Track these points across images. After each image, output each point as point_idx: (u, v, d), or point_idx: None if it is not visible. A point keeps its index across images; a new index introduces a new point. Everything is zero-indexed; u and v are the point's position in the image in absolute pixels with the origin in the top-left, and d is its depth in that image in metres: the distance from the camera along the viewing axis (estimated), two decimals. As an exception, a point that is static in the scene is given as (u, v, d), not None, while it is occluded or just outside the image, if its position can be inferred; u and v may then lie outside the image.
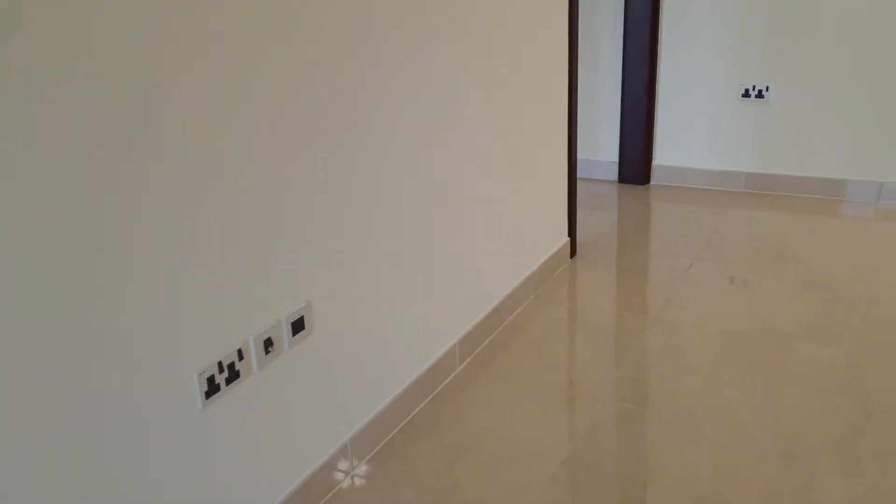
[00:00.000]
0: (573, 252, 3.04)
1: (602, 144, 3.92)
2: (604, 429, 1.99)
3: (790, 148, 3.59)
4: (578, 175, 3.90)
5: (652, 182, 3.89)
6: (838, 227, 3.23)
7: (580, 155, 3.89)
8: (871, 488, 1.72)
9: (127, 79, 1.17)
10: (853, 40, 3.33)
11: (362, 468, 1.87)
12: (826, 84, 3.43)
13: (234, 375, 1.46)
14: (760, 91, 3.56)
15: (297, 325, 1.62)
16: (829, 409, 2.01)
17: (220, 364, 1.42)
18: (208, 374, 1.40)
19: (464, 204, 2.21)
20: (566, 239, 2.97)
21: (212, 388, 1.41)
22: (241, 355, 1.47)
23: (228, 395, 1.46)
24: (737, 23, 3.51)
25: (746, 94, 3.59)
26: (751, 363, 2.25)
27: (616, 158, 3.91)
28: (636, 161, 3.83)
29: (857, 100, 3.40)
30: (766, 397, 2.08)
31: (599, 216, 3.51)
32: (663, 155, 3.84)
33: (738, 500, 1.71)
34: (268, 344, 1.54)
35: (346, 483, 1.82)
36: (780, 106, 3.55)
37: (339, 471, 1.81)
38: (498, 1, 2.24)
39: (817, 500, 1.70)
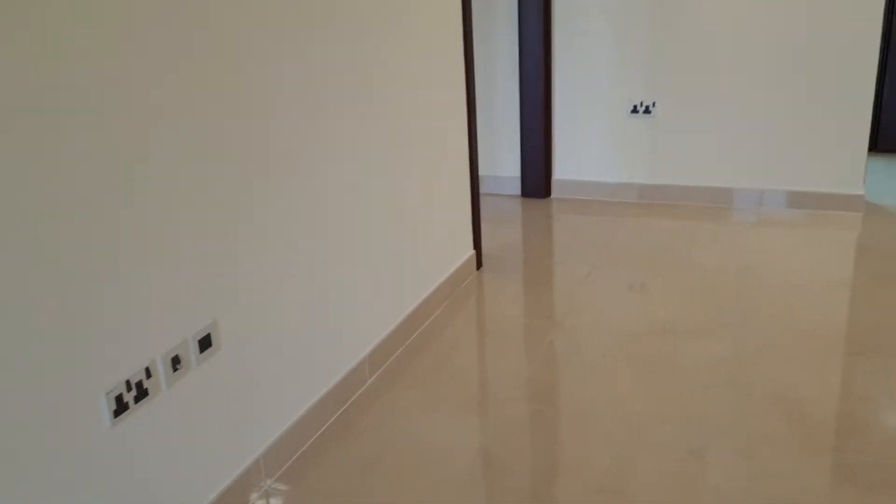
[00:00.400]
0: (479, 263, 3.14)
1: (504, 161, 4.06)
2: (513, 429, 2.08)
3: (677, 160, 3.81)
4: (484, 190, 4.01)
5: (553, 195, 4.06)
6: (724, 233, 3.45)
7: (484, 171, 4.00)
8: (763, 471, 1.86)
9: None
10: (731, 59, 3.58)
11: (277, 481, 1.89)
12: (708, 99, 3.67)
13: (142, 394, 1.47)
14: (648, 107, 3.77)
15: (205, 343, 1.63)
16: (719, 400, 2.16)
17: (128, 382, 1.43)
18: (116, 393, 1.41)
19: (369, 221, 2.27)
20: (472, 251, 3.07)
21: (120, 407, 1.42)
22: (148, 373, 1.48)
23: (137, 413, 1.46)
24: (623, 43, 3.71)
25: (635, 110, 3.80)
26: (646, 361, 2.39)
27: (518, 174, 4.05)
28: (537, 176, 3.99)
29: (738, 113, 3.65)
30: (661, 391, 2.21)
31: (504, 229, 3.63)
32: (562, 169, 4.01)
33: (636, 489, 1.82)
34: (175, 362, 1.55)
35: (261, 496, 1.83)
36: (666, 120, 3.77)
37: (254, 484, 1.82)
38: (396, 23, 2.33)
39: (712, 485, 1.82)
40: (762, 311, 2.67)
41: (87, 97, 1.30)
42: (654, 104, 3.76)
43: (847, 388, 2.19)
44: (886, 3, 3.32)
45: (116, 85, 1.36)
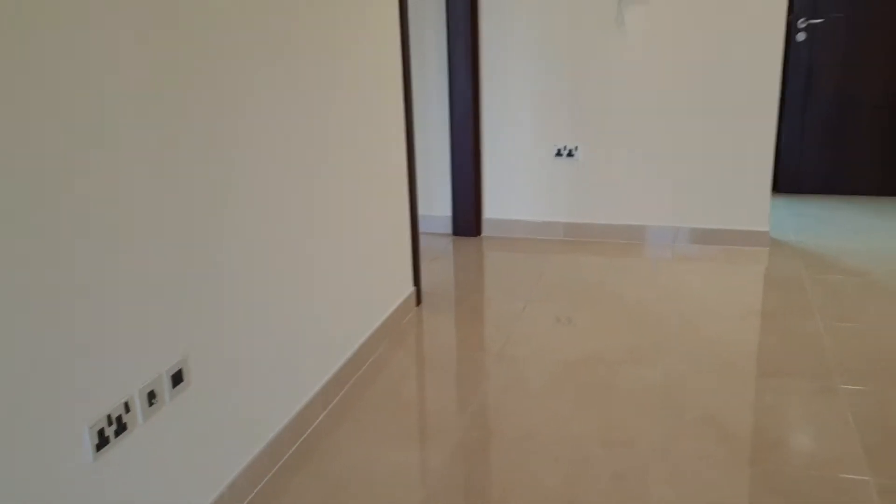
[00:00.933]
0: (419, 300, 3.25)
1: (437, 201, 4.21)
2: (463, 455, 2.18)
3: (598, 199, 4.05)
4: (415, 230, 4.14)
5: (483, 234, 4.23)
6: (644, 267, 3.69)
7: (418, 211, 4.14)
8: (693, 490, 2.03)
9: None
10: (646, 107, 3.86)
11: (240, 515, 1.93)
12: (626, 144, 3.93)
13: (121, 428, 1.51)
14: (571, 150, 4.01)
15: (177, 378, 1.69)
16: (652, 422, 2.33)
17: (108, 417, 1.47)
18: (98, 427, 1.45)
19: (317, 261, 2.36)
20: (412, 288, 3.18)
21: (102, 441, 1.46)
22: (127, 408, 1.53)
23: (117, 447, 1.50)
24: (548, 92, 3.95)
25: (559, 154, 4.03)
26: (583, 387, 2.54)
27: (450, 213, 4.21)
28: (468, 215, 4.15)
29: (654, 157, 3.92)
30: (599, 415, 2.37)
31: (439, 266, 3.76)
32: (491, 209, 4.20)
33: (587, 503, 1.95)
34: (151, 396, 1.60)
35: (226, 530, 1.87)
36: (587, 163, 4.02)
37: (219, 519, 1.86)
38: (340, 69, 2.45)
39: (656, 499, 1.97)
40: (684, 339, 2.88)
41: (33, 130, 1.36)
42: (576, 148, 4.00)
43: (765, 408, 2.39)
44: (783, 61, 3.67)
45: (70, 121, 1.42)
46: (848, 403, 2.39)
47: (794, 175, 4.79)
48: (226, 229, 1.84)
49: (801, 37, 4.54)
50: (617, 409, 2.40)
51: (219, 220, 1.81)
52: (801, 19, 4.51)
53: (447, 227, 4.23)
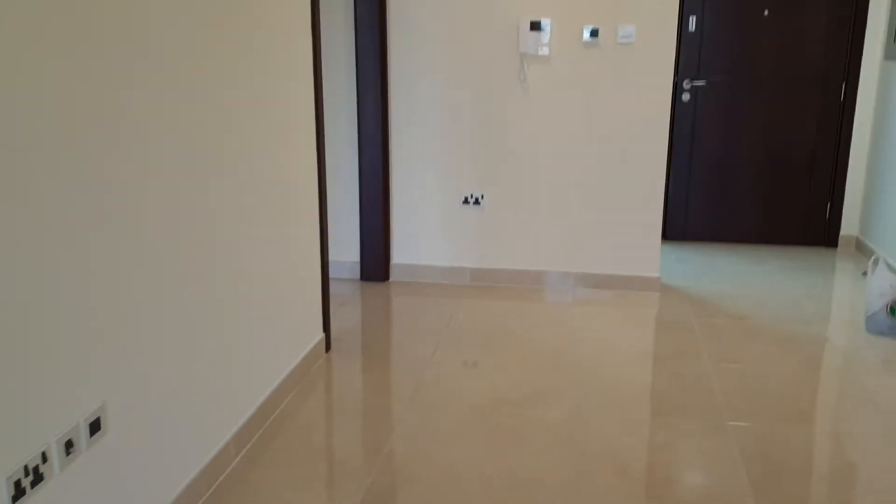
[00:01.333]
0: (328, 346, 3.28)
1: (345, 246, 4.27)
2: (373, 501, 2.22)
3: (503, 246, 4.22)
4: (324, 275, 4.17)
5: (391, 279, 4.30)
6: (547, 311, 3.85)
7: (324, 256, 4.18)
8: (594, 516, 2.15)
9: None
10: (548, 160, 4.07)
11: (152, 566, 1.90)
12: (529, 194, 4.13)
13: (38, 478, 1.49)
14: (477, 199, 4.16)
15: (95, 426, 1.67)
16: (557, 461, 2.44)
17: (25, 467, 1.45)
18: (15, 479, 1.43)
19: (232, 308, 2.38)
20: (322, 334, 3.21)
21: (18, 492, 1.43)
22: (44, 458, 1.51)
23: (33, 497, 1.48)
24: (455, 143, 4.11)
25: (466, 201, 4.18)
26: (492, 429, 2.64)
27: (357, 259, 4.27)
28: (376, 260, 4.22)
29: (554, 207, 4.13)
30: (508, 456, 2.46)
31: (347, 312, 3.81)
32: (400, 254, 4.29)
33: (496, 542, 2.03)
34: (68, 445, 1.58)
35: (138, 582, 1.84)
36: (492, 211, 4.18)
37: (131, 570, 1.83)
38: (253, 110, 2.51)
39: (556, 531, 2.07)
40: (584, 380, 3.03)
41: None
42: (482, 196, 4.16)
43: (660, 445, 2.55)
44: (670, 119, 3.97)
45: None
46: (735, 439, 2.58)
47: (681, 224, 5.12)
48: (136, 277, 1.85)
49: (685, 97, 4.90)
50: (525, 449, 2.51)
51: (129, 269, 1.82)
52: (686, 80, 4.88)
53: (355, 273, 4.29)
